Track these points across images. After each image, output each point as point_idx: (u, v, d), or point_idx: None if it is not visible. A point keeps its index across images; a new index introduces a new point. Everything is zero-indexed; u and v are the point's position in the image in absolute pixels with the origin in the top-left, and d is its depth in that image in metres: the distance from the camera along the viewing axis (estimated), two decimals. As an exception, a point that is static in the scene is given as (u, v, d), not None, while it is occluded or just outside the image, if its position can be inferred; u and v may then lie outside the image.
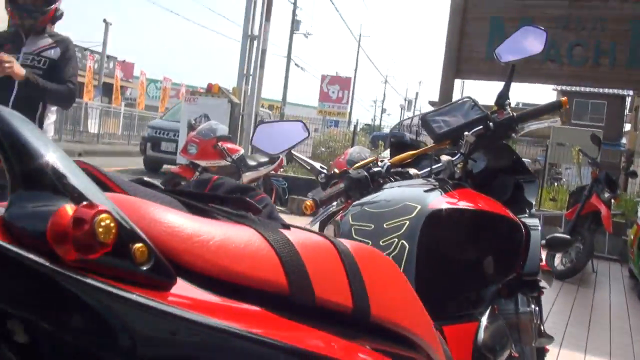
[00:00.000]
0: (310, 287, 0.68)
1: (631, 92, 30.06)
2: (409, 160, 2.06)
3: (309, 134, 2.02)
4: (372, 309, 0.75)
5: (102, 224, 0.47)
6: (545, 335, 2.03)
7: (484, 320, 1.53)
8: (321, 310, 0.69)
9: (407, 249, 1.43)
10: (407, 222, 1.49)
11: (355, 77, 39.07)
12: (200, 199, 0.74)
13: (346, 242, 0.80)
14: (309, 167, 2.09)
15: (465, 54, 9.13)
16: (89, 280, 0.48)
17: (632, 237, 7.40)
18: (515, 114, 2.03)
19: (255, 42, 11.12)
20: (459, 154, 2.00)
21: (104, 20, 24.80)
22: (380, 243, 1.47)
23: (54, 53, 3.69)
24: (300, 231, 0.75)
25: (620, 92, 32.10)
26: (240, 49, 11.11)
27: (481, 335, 1.49)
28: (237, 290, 0.61)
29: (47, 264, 0.47)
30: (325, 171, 2.06)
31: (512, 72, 2.12)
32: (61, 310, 0.48)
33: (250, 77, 11.10)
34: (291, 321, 0.65)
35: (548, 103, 2.10)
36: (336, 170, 2.06)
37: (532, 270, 1.76)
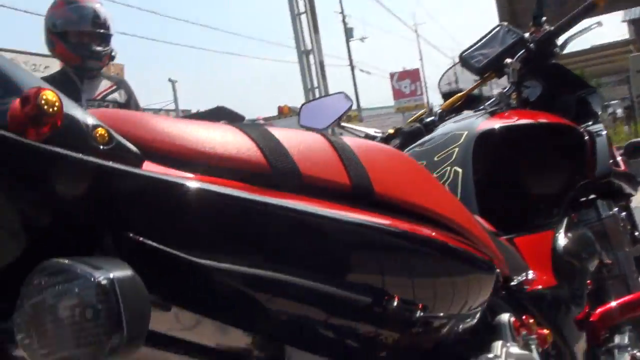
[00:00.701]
0: (294, 164, 0.68)
1: None
2: (459, 103, 2.03)
3: (352, 102, 2.03)
4: (376, 187, 0.74)
5: (44, 97, 0.51)
6: None
7: (561, 228, 1.50)
8: (315, 188, 0.69)
9: (460, 173, 1.42)
10: (457, 149, 1.48)
11: (422, 66, 38.66)
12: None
13: (343, 138, 0.80)
14: (362, 135, 2.10)
15: (520, 9, 8.87)
16: (55, 149, 0.52)
17: None
18: (551, 27, 1.98)
19: (311, 56, 11.25)
20: (509, 85, 1.96)
21: (170, 79, 25.58)
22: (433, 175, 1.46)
23: (119, 96, 3.36)
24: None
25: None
26: (299, 66, 11.27)
27: (560, 242, 1.46)
28: (214, 170, 0.63)
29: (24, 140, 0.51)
30: (380, 134, 2.07)
31: None
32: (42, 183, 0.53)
33: (316, 90, 11.22)
34: (281, 192, 0.66)
35: (581, 6, 2.03)
36: (390, 131, 2.06)
37: (603, 172, 1.70)
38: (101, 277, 0.48)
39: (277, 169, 0.67)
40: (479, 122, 1.57)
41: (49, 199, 0.53)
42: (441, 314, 0.84)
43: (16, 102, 0.52)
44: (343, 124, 2.07)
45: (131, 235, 0.55)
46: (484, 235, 0.96)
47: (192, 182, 0.60)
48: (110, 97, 3.29)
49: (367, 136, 2.08)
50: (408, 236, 0.76)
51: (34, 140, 0.51)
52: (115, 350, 0.48)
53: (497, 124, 1.56)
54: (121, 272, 0.49)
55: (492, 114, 1.65)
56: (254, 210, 0.63)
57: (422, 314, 0.78)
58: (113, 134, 0.57)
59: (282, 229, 0.65)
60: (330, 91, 11.77)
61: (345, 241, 0.71)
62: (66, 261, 0.49)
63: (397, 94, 30.87)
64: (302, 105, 2.12)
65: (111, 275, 0.48)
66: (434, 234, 0.79)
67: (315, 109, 2.09)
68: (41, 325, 0.48)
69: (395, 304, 0.73)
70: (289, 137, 0.72)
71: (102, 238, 0.54)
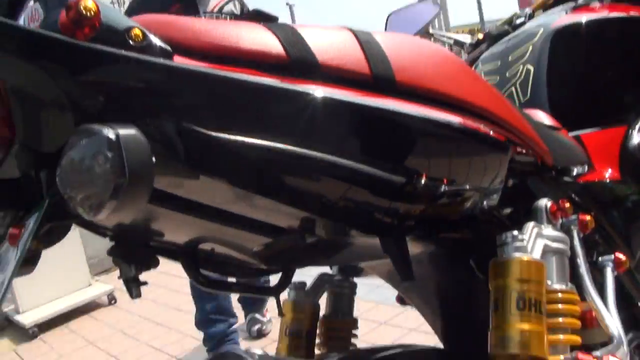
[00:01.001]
0: (312, 54, 0.75)
1: None
2: (550, 2, 1.99)
3: (439, 8, 2.04)
4: (397, 76, 0.80)
5: (83, 4, 0.64)
6: None
7: (637, 124, 1.46)
8: (335, 77, 0.76)
9: (531, 71, 1.43)
10: (530, 47, 1.49)
11: (550, -29, 36.28)
12: None
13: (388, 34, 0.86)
14: (452, 42, 2.11)
15: None
16: (99, 46, 0.65)
17: None
18: None
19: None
20: None
21: (287, 3, 25.60)
22: (506, 75, 1.48)
23: (234, 8, 3.25)
24: None
25: None
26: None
27: (632, 138, 1.43)
28: (235, 61, 0.72)
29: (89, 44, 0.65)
30: (469, 39, 2.07)
31: None
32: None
33: (432, 5, 10.92)
34: (297, 78, 0.74)
35: None
36: (480, 36, 2.06)
37: None
38: (110, 132, 0.61)
39: (295, 59, 0.75)
40: (557, 17, 1.56)
41: (93, 85, 0.66)
42: (456, 188, 0.88)
43: (63, 11, 0.65)
44: (431, 30, 2.09)
45: (158, 114, 0.67)
46: (522, 124, 0.99)
47: (207, 69, 0.70)
48: (226, 8, 3.23)
49: (457, 42, 2.09)
50: (417, 117, 0.80)
51: (81, 40, 0.65)
52: (119, 189, 0.61)
53: (575, 18, 1.53)
54: (127, 130, 0.63)
55: (574, 8, 1.62)
56: (264, 93, 0.72)
57: (440, 188, 0.84)
58: (147, 33, 0.69)
59: (293, 110, 0.73)
60: (448, 6, 11.44)
61: (355, 122, 0.77)
62: (90, 125, 0.63)
63: (523, 2, 29.25)
64: (390, 13, 2.13)
65: (118, 131, 0.62)
66: (448, 116, 0.84)
67: (402, 17, 2.10)
68: (70, 173, 0.63)
69: (409, 178, 0.80)
70: (312, 32, 0.79)
71: (130, 114, 0.66)
